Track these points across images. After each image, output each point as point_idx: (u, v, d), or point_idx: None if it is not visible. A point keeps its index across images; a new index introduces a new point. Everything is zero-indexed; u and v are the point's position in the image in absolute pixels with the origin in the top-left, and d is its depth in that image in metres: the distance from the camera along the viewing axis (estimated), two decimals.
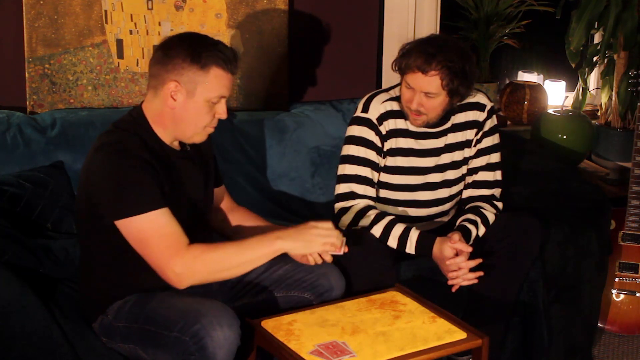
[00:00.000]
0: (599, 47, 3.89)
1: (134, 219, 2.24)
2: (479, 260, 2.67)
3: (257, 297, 2.55)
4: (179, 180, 2.40)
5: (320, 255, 2.43)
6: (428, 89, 2.70)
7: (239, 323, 2.22)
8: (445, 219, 3.01)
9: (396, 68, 2.77)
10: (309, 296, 2.52)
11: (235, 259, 2.29)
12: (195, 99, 2.33)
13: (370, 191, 2.84)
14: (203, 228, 2.54)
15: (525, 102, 4.13)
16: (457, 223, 2.84)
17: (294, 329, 2.34)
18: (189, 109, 2.34)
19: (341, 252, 2.41)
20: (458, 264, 2.66)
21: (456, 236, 2.68)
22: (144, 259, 2.29)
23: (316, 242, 2.35)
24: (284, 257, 2.57)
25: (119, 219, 2.26)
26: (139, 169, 2.26)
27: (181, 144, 2.46)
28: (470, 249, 2.67)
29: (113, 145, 2.29)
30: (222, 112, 2.38)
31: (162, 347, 2.26)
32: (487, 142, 2.93)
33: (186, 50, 2.30)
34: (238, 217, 2.70)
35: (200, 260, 2.25)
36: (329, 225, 2.37)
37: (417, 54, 2.68)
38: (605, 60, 3.95)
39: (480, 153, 2.93)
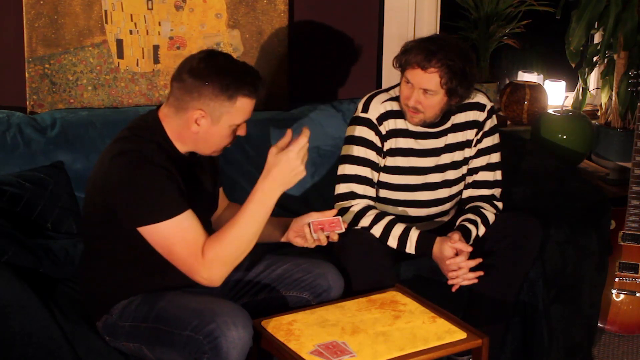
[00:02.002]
0: (599, 47, 3.89)
1: (158, 225, 2.25)
2: (478, 260, 2.67)
3: (256, 297, 2.55)
4: (191, 186, 2.41)
5: (327, 237, 2.46)
6: (427, 85, 2.70)
7: (252, 323, 2.24)
8: (445, 218, 3.01)
9: (397, 65, 2.77)
10: (307, 296, 2.53)
11: (244, 238, 2.28)
12: (220, 125, 2.33)
13: (370, 191, 2.84)
14: (209, 230, 2.55)
15: (525, 102, 4.13)
16: (457, 223, 2.84)
17: (294, 329, 2.34)
18: (212, 134, 2.35)
19: (343, 230, 2.43)
20: (458, 264, 2.66)
21: (456, 236, 2.68)
22: (166, 262, 2.30)
23: (298, 168, 2.29)
24: (282, 257, 2.60)
25: (142, 226, 2.26)
26: (159, 176, 2.26)
27: (191, 152, 2.46)
28: (470, 249, 2.67)
29: (132, 154, 2.29)
30: (242, 131, 2.40)
31: (171, 346, 2.27)
32: (487, 142, 2.93)
33: (215, 80, 2.28)
34: (232, 212, 2.70)
35: (219, 259, 2.26)
36: (292, 147, 2.28)
37: (417, 51, 2.69)
38: (605, 60, 3.95)
39: (481, 153, 2.93)
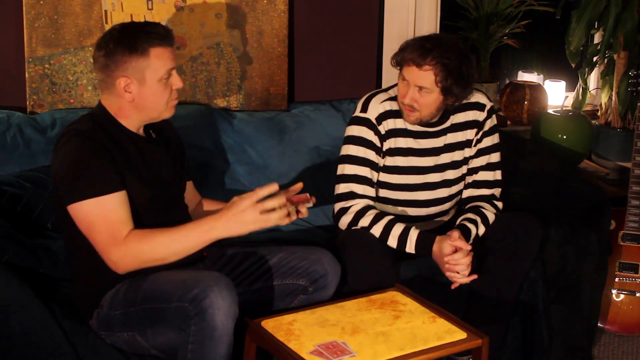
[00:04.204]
0: (599, 47, 3.90)
1: (85, 202, 2.28)
2: (471, 254, 2.66)
3: (253, 286, 2.57)
4: (145, 162, 2.44)
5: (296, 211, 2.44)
6: (422, 83, 2.70)
7: (235, 290, 2.25)
8: (445, 218, 3.01)
9: (394, 63, 2.78)
10: (303, 282, 2.54)
11: (168, 249, 2.30)
12: (148, 84, 2.38)
13: (370, 191, 2.84)
14: (179, 208, 2.59)
15: (525, 102, 4.13)
16: (457, 222, 2.84)
17: (294, 329, 2.34)
18: (146, 95, 2.40)
19: (311, 204, 2.43)
20: (456, 261, 2.66)
21: (456, 234, 2.68)
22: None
23: (246, 218, 2.26)
24: (277, 246, 2.62)
25: (72, 203, 2.30)
26: (95, 153, 2.31)
27: (146, 130, 2.51)
28: (469, 247, 2.67)
29: (70, 134, 2.36)
30: (176, 82, 2.44)
31: (161, 322, 2.28)
32: (487, 141, 2.93)
33: (120, 44, 2.35)
34: (201, 208, 2.74)
35: (132, 252, 2.28)
36: (247, 197, 2.27)
37: (413, 48, 2.70)
38: (605, 60, 3.95)
39: (480, 153, 2.93)
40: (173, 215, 2.48)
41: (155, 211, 2.43)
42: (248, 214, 2.26)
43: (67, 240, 2.48)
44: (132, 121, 2.45)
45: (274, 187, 2.30)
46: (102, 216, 2.28)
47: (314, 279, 2.54)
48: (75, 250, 2.44)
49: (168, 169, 2.53)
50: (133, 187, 2.37)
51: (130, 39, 2.35)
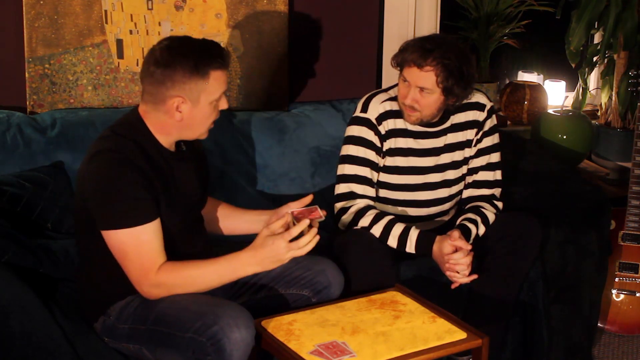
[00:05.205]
0: (599, 47, 3.90)
1: (119, 232, 2.27)
2: (471, 253, 2.66)
3: (256, 295, 2.56)
4: (175, 181, 2.41)
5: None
6: (423, 84, 2.70)
7: (254, 324, 2.25)
8: (445, 218, 3.01)
9: (395, 64, 2.78)
10: (307, 293, 2.53)
11: (199, 285, 2.33)
12: (200, 105, 2.35)
13: (370, 191, 2.84)
14: (200, 224, 2.57)
15: (525, 102, 4.14)
16: (457, 222, 2.85)
17: (294, 329, 2.34)
18: (196, 116, 2.37)
19: (323, 218, 2.41)
20: (457, 260, 2.66)
21: (456, 233, 2.68)
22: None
23: (282, 257, 2.30)
24: None
25: (105, 230, 2.30)
26: (130, 180, 2.27)
27: (177, 145, 2.47)
28: (469, 247, 2.67)
29: (108, 153, 2.31)
30: (224, 104, 2.42)
31: (173, 347, 2.27)
32: (487, 141, 2.93)
33: (183, 63, 2.30)
34: (208, 207, 2.71)
35: (164, 286, 2.31)
36: (284, 236, 2.28)
37: (413, 49, 2.70)
38: (605, 60, 3.95)
39: (481, 153, 2.93)
40: (195, 232, 2.49)
41: (179, 232, 2.41)
42: (283, 254, 2.29)
43: (83, 244, 2.47)
44: (170, 138, 2.41)
45: (307, 199, 2.42)
46: (136, 248, 2.28)
47: (317, 289, 2.53)
48: (90, 255, 2.43)
49: (195, 186, 2.51)
50: (164, 210, 2.35)
51: (193, 59, 2.30)
